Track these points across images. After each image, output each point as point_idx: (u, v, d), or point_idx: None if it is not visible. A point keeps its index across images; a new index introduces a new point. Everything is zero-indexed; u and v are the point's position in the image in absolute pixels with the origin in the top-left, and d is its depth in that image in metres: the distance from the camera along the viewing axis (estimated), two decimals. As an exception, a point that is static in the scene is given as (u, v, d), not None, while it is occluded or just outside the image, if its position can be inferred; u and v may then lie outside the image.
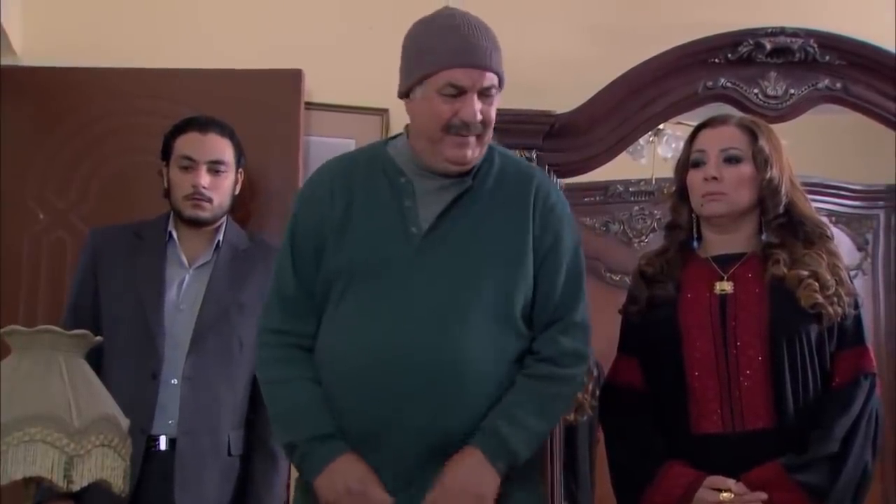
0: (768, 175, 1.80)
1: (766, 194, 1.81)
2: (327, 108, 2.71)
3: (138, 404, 2.00)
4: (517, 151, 2.48)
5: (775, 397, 1.73)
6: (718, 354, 1.77)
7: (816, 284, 1.74)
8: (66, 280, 2.44)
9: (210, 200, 2.18)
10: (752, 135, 1.83)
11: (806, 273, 1.75)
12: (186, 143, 2.20)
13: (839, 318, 1.75)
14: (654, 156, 3.24)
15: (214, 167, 2.20)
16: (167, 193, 2.24)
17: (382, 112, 2.74)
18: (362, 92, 2.72)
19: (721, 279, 1.82)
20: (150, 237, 2.22)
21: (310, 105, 2.67)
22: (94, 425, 1.74)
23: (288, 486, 2.27)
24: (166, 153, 2.24)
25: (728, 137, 1.84)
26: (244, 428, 2.16)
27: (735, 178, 1.81)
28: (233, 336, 2.14)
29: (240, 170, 2.28)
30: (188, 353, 2.10)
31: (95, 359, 1.96)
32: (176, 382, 2.09)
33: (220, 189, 2.21)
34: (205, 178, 2.18)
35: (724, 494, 1.70)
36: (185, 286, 2.17)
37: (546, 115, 2.50)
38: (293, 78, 2.61)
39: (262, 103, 2.56)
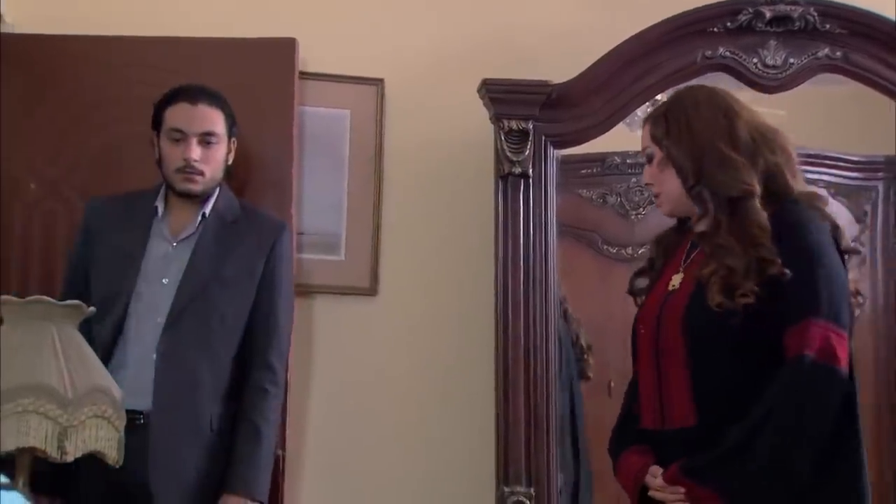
0: (664, 152, 1.75)
1: (675, 167, 1.74)
2: (322, 78, 2.66)
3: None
4: (513, 122, 2.47)
5: (696, 395, 1.66)
6: (654, 351, 1.74)
7: (720, 282, 1.62)
8: (59, 251, 2.42)
9: (202, 173, 2.15)
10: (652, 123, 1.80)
11: (712, 269, 1.64)
12: (176, 115, 2.17)
13: (753, 308, 1.60)
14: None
15: (205, 139, 2.17)
16: (159, 163, 2.21)
17: (378, 82, 2.70)
18: (358, 61, 2.68)
19: (678, 272, 1.77)
20: (139, 209, 2.19)
21: (304, 75, 2.63)
22: (88, 396, 1.74)
23: (278, 462, 2.26)
24: (157, 123, 2.21)
25: (643, 139, 1.83)
26: (227, 404, 2.12)
27: (654, 174, 1.79)
28: (213, 311, 2.11)
29: (232, 139, 2.25)
30: (164, 328, 2.08)
31: (86, 331, 1.95)
32: (156, 357, 2.07)
33: (212, 161, 2.18)
34: (196, 151, 2.14)
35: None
36: (168, 260, 2.14)
37: (542, 85, 2.48)
38: (286, 47, 2.56)
39: (254, 73, 2.51)
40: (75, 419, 1.72)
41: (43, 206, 2.54)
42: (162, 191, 2.21)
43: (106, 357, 2.01)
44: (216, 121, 2.19)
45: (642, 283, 1.85)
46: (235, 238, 2.18)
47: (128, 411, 1.97)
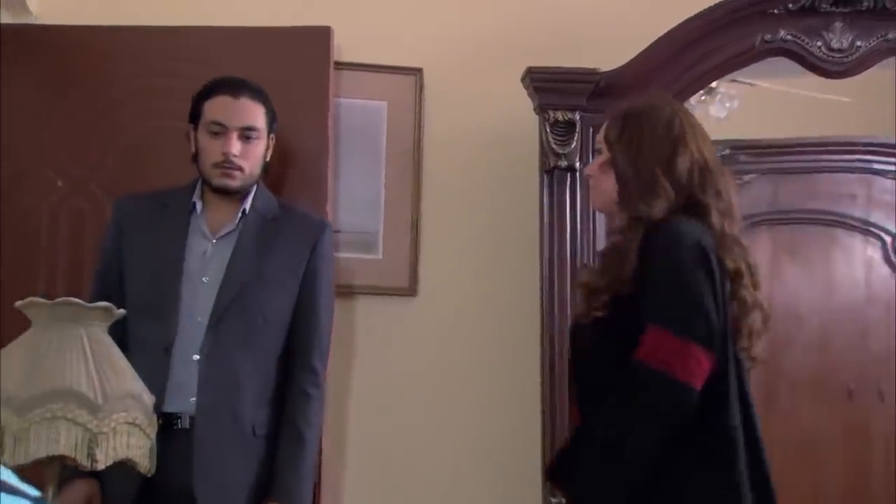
0: (611, 155, 1.75)
1: (615, 173, 1.74)
2: (358, 68, 2.59)
3: (151, 380, 1.87)
4: (559, 112, 2.37)
5: (580, 400, 1.73)
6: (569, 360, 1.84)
7: (583, 295, 1.71)
8: (87, 250, 2.35)
9: (241, 169, 2.08)
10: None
11: (581, 282, 1.75)
12: (217, 108, 2.09)
13: (609, 320, 1.65)
14: (707, 116, 3.11)
15: (246, 134, 2.09)
16: (195, 158, 2.13)
17: (416, 71, 2.62)
18: (395, 50, 2.62)
19: None
20: (175, 206, 2.12)
21: (339, 65, 2.55)
22: (119, 402, 1.67)
23: (318, 468, 2.19)
24: (195, 116, 2.13)
25: (599, 132, 1.83)
26: (271, 407, 2.05)
27: (595, 170, 1.80)
28: (254, 311, 2.04)
29: (271, 135, 2.17)
30: (207, 328, 2.01)
31: (119, 334, 1.86)
32: (197, 358, 2.00)
33: (252, 156, 2.10)
34: (235, 146, 2.07)
35: None
36: (207, 258, 2.07)
37: (590, 72, 2.41)
38: (321, 36, 2.47)
39: (288, 63, 2.43)
40: (105, 426, 1.65)
41: (70, 204, 2.48)
42: (198, 187, 2.13)
43: (153, 360, 1.94)
44: (257, 115, 2.11)
45: None
46: (276, 236, 2.11)
47: (169, 414, 1.93)
